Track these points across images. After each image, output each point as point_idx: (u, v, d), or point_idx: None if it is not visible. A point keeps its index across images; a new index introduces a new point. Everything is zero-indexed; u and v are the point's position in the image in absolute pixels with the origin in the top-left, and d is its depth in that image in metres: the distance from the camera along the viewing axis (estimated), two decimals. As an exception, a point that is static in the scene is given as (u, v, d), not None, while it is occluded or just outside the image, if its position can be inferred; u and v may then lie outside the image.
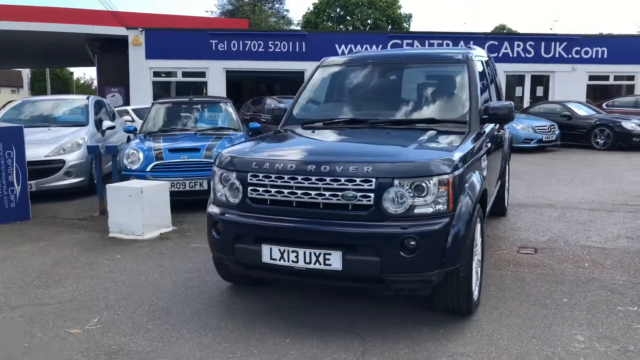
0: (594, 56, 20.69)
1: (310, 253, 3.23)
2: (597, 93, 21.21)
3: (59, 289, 4.31)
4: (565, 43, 20.58)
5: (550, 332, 3.41)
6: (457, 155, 3.38)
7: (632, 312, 3.67)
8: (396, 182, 3.15)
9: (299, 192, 3.31)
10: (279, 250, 3.30)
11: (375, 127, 4.26)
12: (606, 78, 21.18)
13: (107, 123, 9.28)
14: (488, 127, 4.57)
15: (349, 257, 3.16)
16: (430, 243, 3.14)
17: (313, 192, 3.28)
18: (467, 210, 3.34)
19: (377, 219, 3.17)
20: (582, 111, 16.11)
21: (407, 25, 42.83)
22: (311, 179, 3.28)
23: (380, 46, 19.87)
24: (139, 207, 5.66)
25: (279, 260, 3.31)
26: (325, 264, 3.21)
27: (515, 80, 20.94)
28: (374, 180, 3.17)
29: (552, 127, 14.84)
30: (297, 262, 3.27)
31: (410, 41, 20.08)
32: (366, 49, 19.83)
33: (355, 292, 3.99)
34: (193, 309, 3.88)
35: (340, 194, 3.21)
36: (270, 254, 3.33)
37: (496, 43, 20.36)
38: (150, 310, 3.86)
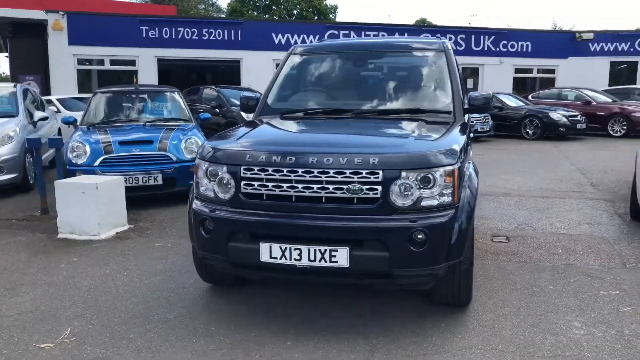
0: (519, 50, 21.70)
1: (315, 250, 3.05)
2: (519, 85, 22.26)
3: (15, 299, 3.86)
4: (493, 36, 21.42)
5: (547, 320, 3.44)
6: (457, 146, 3.32)
7: (616, 296, 3.79)
8: (403, 173, 3.04)
9: (300, 186, 3.12)
10: (280, 248, 3.10)
11: (361, 117, 4.13)
12: (530, 71, 22.28)
13: (39, 114, 8.55)
14: (466, 117, 4.56)
15: (356, 252, 3.01)
16: (438, 236, 3.05)
17: (315, 186, 3.10)
18: (469, 202, 3.29)
19: (384, 212, 3.05)
20: (512, 102, 16.84)
21: (333, 17, 42.98)
22: (313, 172, 3.09)
23: (318, 36, 19.73)
24: (93, 205, 5.21)
25: (280, 258, 3.11)
26: (331, 261, 3.04)
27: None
28: (380, 172, 3.03)
29: (485, 117, 15.37)
30: (300, 260, 3.08)
31: (347, 32, 20.10)
32: (303, 39, 19.66)
33: (348, 288, 3.86)
34: (176, 313, 3.60)
35: (345, 187, 3.05)
36: (269, 252, 3.12)
37: (429, 35, 20.78)
38: (128, 318, 3.53)
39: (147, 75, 18.65)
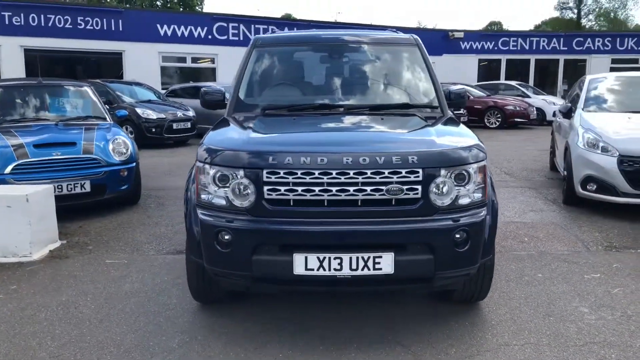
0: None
1: (357, 258, 2.80)
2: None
3: (-41, 345, 3.11)
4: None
5: (557, 308, 3.54)
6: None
7: (600, 279, 4.03)
8: (442, 171, 2.91)
9: (334, 189, 2.85)
10: (318, 258, 2.81)
11: (352, 112, 3.92)
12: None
13: None
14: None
15: (400, 258, 2.82)
16: (478, 235, 2.98)
17: (352, 189, 2.85)
18: (494, 198, 3.27)
19: (426, 213, 2.90)
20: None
21: (200, 8, 41.86)
22: (349, 173, 2.84)
23: (206, 28, 18.96)
24: (24, 220, 4.40)
25: (317, 270, 2.82)
26: (374, 269, 2.82)
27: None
28: (420, 170, 2.87)
29: None
30: (340, 270, 2.82)
31: (235, 24, 19.56)
32: (191, 31, 18.75)
33: (353, 295, 3.65)
34: (178, 340, 3.13)
35: (384, 188, 2.85)
36: (305, 264, 2.81)
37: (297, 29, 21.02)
38: (122, 353, 2.99)
39: (12, 66, 16.51)
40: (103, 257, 4.54)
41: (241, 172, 2.91)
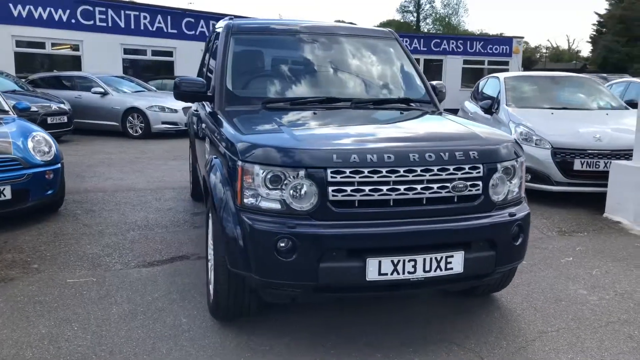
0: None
1: (431, 259, 2.68)
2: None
3: None
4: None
5: (560, 292, 3.76)
6: None
7: (575, 262, 4.37)
8: (499, 166, 2.91)
9: (402, 187, 2.70)
10: (392, 262, 2.64)
11: (361, 107, 3.76)
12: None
13: None
14: None
15: (469, 256, 2.77)
16: (527, 228, 3.03)
17: (419, 187, 2.72)
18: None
19: (485, 209, 2.87)
20: None
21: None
22: (416, 171, 2.71)
23: (68, 11, 17.04)
24: (-45, 238, 3.53)
25: (391, 274, 2.64)
26: (446, 269, 2.72)
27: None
28: (481, 166, 2.83)
29: None
30: (414, 272, 2.68)
31: (103, 9, 17.85)
32: (50, 12, 16.70)
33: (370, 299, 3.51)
34: (222, 367, 2.74)
35: (449, 185, 2.77)
36: (378, 269, 2.63)
37: (192, 20, 20.05)
38: (164, 388, 2.54)
39: None
40: (59, 276, 3.82)
41: (302, 172, 2.63)
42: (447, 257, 2.72)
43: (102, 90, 12.97)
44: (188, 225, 5.13)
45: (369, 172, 2.65)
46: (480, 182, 2.84)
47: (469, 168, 2.81)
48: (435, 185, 2.74)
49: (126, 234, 4.78)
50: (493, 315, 3.39)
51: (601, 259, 4.46)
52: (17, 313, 3.24)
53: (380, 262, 2.63)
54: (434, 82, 4.38)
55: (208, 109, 3.99)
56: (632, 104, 7.42)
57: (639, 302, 3.63)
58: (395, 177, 2.68)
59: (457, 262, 2.74)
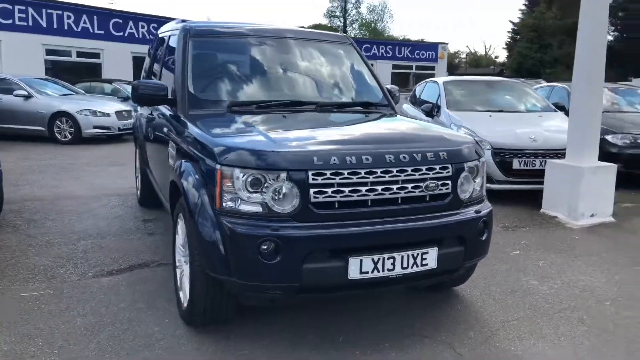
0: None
1: (408, 256, 2.79)
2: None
3: None
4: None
5: (514, 284, 3.99)
6: None
7: (522, 255, 4.66)
8: (465, 165, 3.07)
9: (379, 188, 2.79)
10: (372, 260, 2.72)
11: (325, 110, 3.83)
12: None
13: None
14: None
15: (442, 251, 2.90)
16: (491, 224, 3.21)
17: (395, 187, 2.82)
18: None
19: (454, 207, 3.02)
20: None
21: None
22: (392, 172, 2.81)
23: None
24: None
25: (372, 272, 2.72)
26: (422, 265, 2.84)
27: (143, 62, 20.48)
28: (450, 166, 2.98)
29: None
30: (393, 269, 2.77)
31: (23, 7, 16.87)
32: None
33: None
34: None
35: (422, 185, 2.89)
36: (359, 267, 2.70)
37: (121, 21, 19.38)
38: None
39: None
40: (10, 290, 3.61)
41: (283, 175, 2.65)
42: (422, 254, 2.83)
43: (25, 93, 12.23)
44: (141, 232, 4.97)
45: (348, 173, 2.72)
46: (449, 182, 2.98)
47: (440, 168, 2.94)
48: (409, 185, 2.86)
49: (77, 243, 4.57)
50: (457, 308, 3.55)
51: (544, 251, 4.78)
52: (-25, 332, 3.04)
53: (361, 260, 2.70)
54: (388, 86, 4.53)
55: (168, 113, 3.91)
56: (558, 107, 7.97)
57: (583, 289, 3.93)
58: (373, 178, 2.77)
59: (431, 257, 2.86)
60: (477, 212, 3.09)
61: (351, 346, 3.00)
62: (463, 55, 72.19)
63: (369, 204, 2.79)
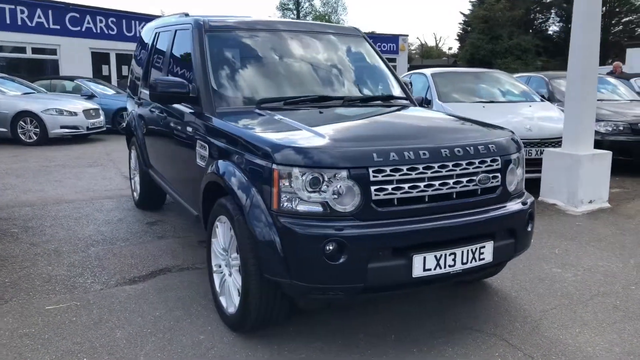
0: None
1: (467, 251, 2.77)
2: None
3: None
4: (143, 23, 20.71)
5: (539, 271, 4.05)
6: None
7: (537, 243, 4.72)
8: (512, 157, 3.07)
9: (437, 183, 2.75)
10: (435, 257, 2.68)
11: (355, 105, 3.78)
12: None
13: None
14: None
15: (497, 244, 2.89)
16: (535, 215, 3.23)
17: (451, 181, 2.80)
18: None
19: (503, 199, 3.02)
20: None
21: None
22: (448, 166, 2.78)
23: None
24: None
25: (434, 269, 2.69)
26: (479, 259, 2.83)
27: (102, 58, 19.76)
28: (499, 158, 2.98)
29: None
30: (454, 265, 2.75)
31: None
32: None
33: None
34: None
35: (476, 178, 2.87)
36: (423, 264, 2.66)
37: (77, 16, 18.60)
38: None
39: None
40: (32, 303, 3.39)
41: (344, 173, 2.58)
42: (480, 248, 2.82)
43: (-17, 92, 11.62)
44: (150, 236, 4.78)
45: (407, 169, 2.67)
46: (499, 174, 2.98)
47: (490, 161, 2.94)
48: (464, 179, 2.84)
49: (87, 250, 4.35)
50: (494, 300, 3.57)
51: (556, 238, 4.88)
52: (5, 351, 2.83)
53: (425, 258, 2.66)
54: (405, 79, 4.51)
55: (188, 111, 3.75)
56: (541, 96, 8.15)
57: (606, 275, 4.03)
58: (431, 173, 2.73)
59: (488, 251, 2.85)
60: (523, 203, 3.10)
61: (405, 344, 2.96)
62: (413, 48, 73.18)
63: (426, 199, 2.75)
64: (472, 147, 2.88)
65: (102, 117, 12.96)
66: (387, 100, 4.03)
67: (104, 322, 3.15)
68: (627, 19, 32.14)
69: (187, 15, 4.68)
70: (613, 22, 32.53)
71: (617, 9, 32.29)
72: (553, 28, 37.60)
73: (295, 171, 2.58)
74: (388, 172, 2.63)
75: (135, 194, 5.81)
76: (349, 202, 2.60)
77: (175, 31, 4.48)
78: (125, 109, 14.14)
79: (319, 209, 2.60)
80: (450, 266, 2.74)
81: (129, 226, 5.07)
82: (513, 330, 3.14)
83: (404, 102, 4.13)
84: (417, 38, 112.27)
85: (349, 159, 2.61)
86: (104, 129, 13.09)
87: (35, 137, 11.66)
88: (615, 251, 4.56)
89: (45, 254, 4.25)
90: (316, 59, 4.11)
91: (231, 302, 3.06)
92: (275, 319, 2.95)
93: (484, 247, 2.83)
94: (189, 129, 3.68)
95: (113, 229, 4.98)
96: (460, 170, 2.82)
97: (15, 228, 4.97)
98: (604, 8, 32.36)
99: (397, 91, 4.23)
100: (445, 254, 2.71)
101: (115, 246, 4.48)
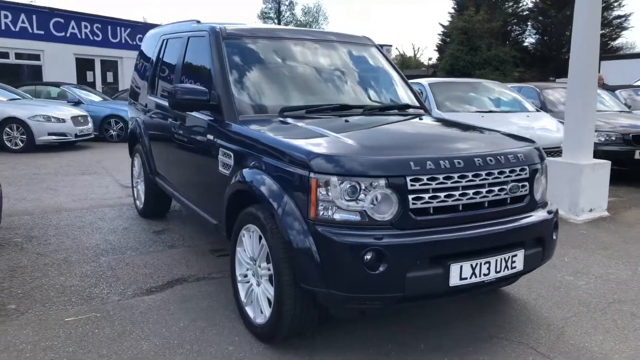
0: (154, 45, 21.54)
1: (501, 260, 2.79)
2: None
3: None
4: (129, 29, 20.56)
5: (553, 279, 4.10)
6: None
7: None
8: (538, 166, 3.11)
9: (471, 191, 2.77)
10: (471, 266, 2.69)
11: (375, 113, 3.79)
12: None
13: None
14: None
15: (527, 253, 2.92)
16: (558, 224, 3.26)
17: (484, 190, 2.82)
18: None
19: (531, 208, 3.06)
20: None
21: None
22: (481, 175, 2.80)
23: None
24: None
25: (470, 277, 2.70)
26: (511, 267, 2.85)
27: (86, 64, 19.50)
28: (527, 167, 3.01)
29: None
30: (488, 274, 2.76)
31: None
32: None
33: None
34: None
35: (507, 187, 2.90)
36: (459, 273, 2.66)
37: (62, 21, 18.35)
38: None
39: None
40: (50, 315, 3.30)
41: (382, 182, 2.58)
42: (512, 257, 2.84)
43: (-32, 98, 11.36)
44: (160, 245, 4.71)
45: (443, 178, 2.69)
46: (527, 183, 3.01)
47: (520, 170, 2.97)
48: (496, 188, 2.86)
49: (97, 260, 4.26)
50: (515, 308, 3.59)
51: (562, 246, 4.94)
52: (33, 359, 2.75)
53: (461, 267, 2.67)
54: (415, 87, 4.54)
55: (207, 118, 3.71)
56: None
57: (617, 282, 4.09)
58: (465, 182, 2.75)
59: (519, 260, 2.88)
60: (549, 212, 3.13)
61: (436, 354, 2.96)
62: (392, 58, 73.86)
63: (460, 208, 2.77)
64: (502, 156, 2.91)
65: (90, 124, 12.76)
66: (403, 109, 4.05)
67: (128, 334, 3.08)
68: (600, 32, 33.10)
69: (198, 22, 4.65)
70: (587, 35, 33.49)
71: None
72: (529, 40, 38.34)
73: (334, 179, 2.57)
74: (425, 181, 2.64)
75: (138, 202, 5.72)
76: (387, 211, 2.60)
77: (188, 38, 4.44)
78: (113, 116, 14.13)
79: (357, 217, 2.59)
80: (484, 275, 2.75)
81: (136, 235, 4.98)
82: (539, 339, 3.16)
83: (419, 110, 4.15)
84: (396, 48, 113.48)
85: (387, 168, 2.61)
86: (92, 136, 12.89)
87: (21, 144, 11.43)
88: (622, 259, 4.64)
89: (55, 264, 4.15)
90: (332, 67, 4.11)
91: (260, 312, 3.02)
92: (306, 329, 2.92)
93: (515, 255, 2.85)
94: (210, 136, 3.64)
95: (120, 237, 4.89)
96: (492, 179, 2.84)
97: (18, 237, 4.84)
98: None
99: (411, 100, 4.25)
100: (481, 263, 2.72)
101: (126, 255, 4.39)
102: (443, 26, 49.14)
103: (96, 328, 3.14)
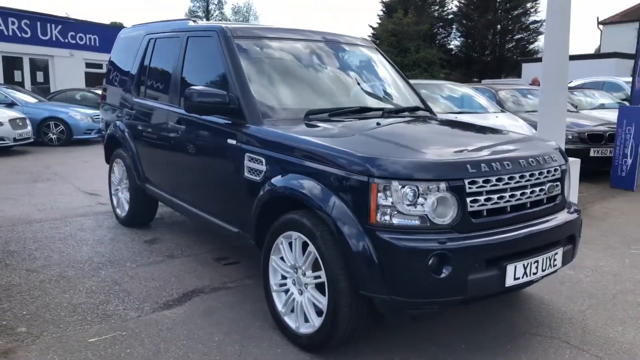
0: (88, 43, 20.52)
1: (546, 258, 2.88)
2: (93, 81, 21.22)
3: None
4: (60, 26, 19.43)
5: (554, 274, 4.25)
6: None
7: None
8: (566, 167, 3.23)
9: (518, 193, 2.83)
10: (523, 265, 2.75)
11: (390, 115, 3.77)
12: (100, 66, 21.41)
13: None
14: None
15: (563, 250, 3.03)
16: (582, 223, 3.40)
17: (528, 191, 2.89)
18: None
19: (563, 207, 3.17)
20: None
21: None
22: (526, 176, 2.87)
23: None
24: None
25: (522, 277, 2.76)
26: (553, 265, 2.95)
27: (14, 63, 18.23)
28: (559, 168, 3.12)
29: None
30: (536, 273, 2.84)
31: None
32: None
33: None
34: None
35: (545, 187, 2.99)
36: (514, 274, 2.72)
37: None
38: None
39: None
40: (69, 336, 3.04)
41: (443, 185, 2.58)
42: (554, 255, 2.94)
43: None
44: (158, 255, 4.46)
45: (495, 180, 2.72)
46: (559, 183, 3.11)
47: (554, 170, 3.07)
48: (537, 189, 2.94)
49: (97, 274, 3.97)
50: (533, 304, 3.71)
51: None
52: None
53: (515, 267, 2.72)
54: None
55: (222, 122, 3.56)
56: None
57: (613, 274, 4.32)
58: (514, 183, 2.80)
59: (559, 257, 2.98)
60: (577, 211, 3.26)
61: (479, 352, 3.00)
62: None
63: (508, 209, 2.82)
64: (540, 158, 3.00)
65: (29, 128, 11.94)
66: (413, 111, 4.07)
67: (164, 352, 2.89)
68: (519, 36, 34.96)
69: (194, 21, 4.47)
70: (507, 39, 35.20)
71: (510, 27, 35.00)
72: (455, 42, 39.86)
73: (395, 184, 2.54)
74: (480, 183, 2.67)
75: (119, 210, 5.40)
76: (447, 214, 2.60)
77: (187, 38, 4.24)
78: (52, 118, 13.27)
79: (417, 222, 2.57)
80: (533, 274, 2.82)
81: (127, 245, 4.70)
82: (567, 333, 3.28)
83: (427, 112, 4.20)
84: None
85: (446, 171, 2.61)
86: (31, 140, 12.07)
87: (-46, 150, 10.53)
88: (607, 252, 4.91)
89: (53, 280, 3.84)
90: (345, 69, 4.09)
91: (304, 321, 2.94)
92: (357, 336, 2.87)
93: (556, 253, 2.95)
94: (232, 141, 3.48)
95: (111, 249, 4.60)
96: (534, 180, 2.91)
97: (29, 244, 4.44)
98: (498, 26, 34.89)
99: (419, 102, 4.29)
100: (531, 262, 2.79)
101: (127, 268, 4.13)
102: (373, 28, 50.06)
103: (127, 348, 2.93)
